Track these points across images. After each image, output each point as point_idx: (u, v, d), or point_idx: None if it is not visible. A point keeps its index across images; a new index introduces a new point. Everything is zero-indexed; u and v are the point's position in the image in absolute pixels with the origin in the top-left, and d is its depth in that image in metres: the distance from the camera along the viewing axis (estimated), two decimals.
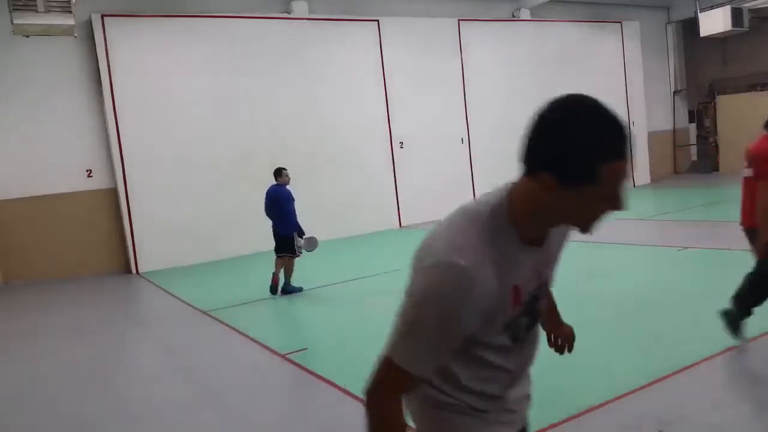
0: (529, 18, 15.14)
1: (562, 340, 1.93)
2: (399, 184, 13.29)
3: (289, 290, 7.86)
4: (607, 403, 3.79)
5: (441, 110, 13.85)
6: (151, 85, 10.87)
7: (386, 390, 1.39)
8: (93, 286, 9.91)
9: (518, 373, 1.60)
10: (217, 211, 11.30)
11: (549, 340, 1.93)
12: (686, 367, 4.22)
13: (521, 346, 1.54)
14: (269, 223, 7.82)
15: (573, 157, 1.22)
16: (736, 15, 14.45)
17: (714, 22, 14.71)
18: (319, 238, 8.06)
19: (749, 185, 4.27)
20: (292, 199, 7.72)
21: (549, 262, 1.53)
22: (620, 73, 16.69)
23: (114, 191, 10.80)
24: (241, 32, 11.60)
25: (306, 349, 5.55)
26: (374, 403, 1.40)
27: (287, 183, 7.79)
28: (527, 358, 1.61)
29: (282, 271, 7.83)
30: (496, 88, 14.55)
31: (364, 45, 12.94)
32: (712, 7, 15.15)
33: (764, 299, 4.38)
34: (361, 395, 1.45)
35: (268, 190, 7.88)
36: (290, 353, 5.41)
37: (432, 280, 1.30)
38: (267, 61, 11.85)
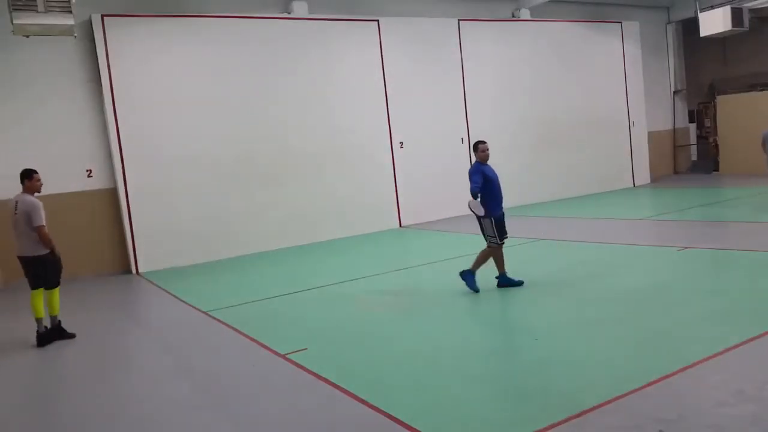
0: (529, 18, 15.13)
1: None
2: (399, 184, 13.29)
3: (502, 282, 7.05)
4: (607, 403, 3.79)
5: (441, 110, 13.84)
6: (151, 85, 10.86)
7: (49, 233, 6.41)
8: (93, 286, 9.91)
9: None
10: (218, 211, 11.29)
11: None
12: (686, 367, 4.22)
13: None
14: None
15: None
16: (736, 15, 14.44)
17: (714, 22, 14.69)
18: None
19: None
20: (477, 171, 7.08)
21: None
22: (620, 73, 16.67)
23: (114, 191, 10.80)
24: (241, 32, 11.59)
25: (306, 349, 5.55)
26: (49, 238, 6.40)
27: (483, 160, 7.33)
28: None
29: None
30: (496, 87, 14.54)
31: (364, 45, 12.93)
32: (712, 7, 15.15)
33: None
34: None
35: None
36: (290, 353, 5.41)
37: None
38: (267, 61, 11.85)
